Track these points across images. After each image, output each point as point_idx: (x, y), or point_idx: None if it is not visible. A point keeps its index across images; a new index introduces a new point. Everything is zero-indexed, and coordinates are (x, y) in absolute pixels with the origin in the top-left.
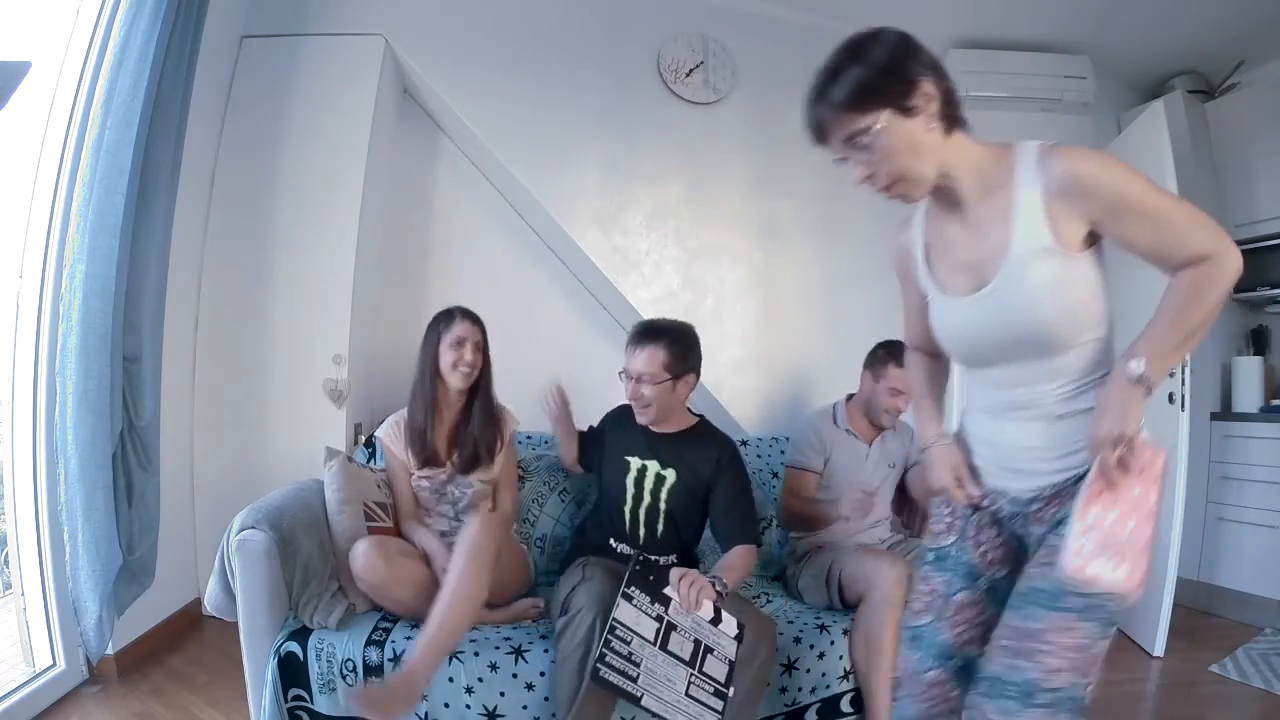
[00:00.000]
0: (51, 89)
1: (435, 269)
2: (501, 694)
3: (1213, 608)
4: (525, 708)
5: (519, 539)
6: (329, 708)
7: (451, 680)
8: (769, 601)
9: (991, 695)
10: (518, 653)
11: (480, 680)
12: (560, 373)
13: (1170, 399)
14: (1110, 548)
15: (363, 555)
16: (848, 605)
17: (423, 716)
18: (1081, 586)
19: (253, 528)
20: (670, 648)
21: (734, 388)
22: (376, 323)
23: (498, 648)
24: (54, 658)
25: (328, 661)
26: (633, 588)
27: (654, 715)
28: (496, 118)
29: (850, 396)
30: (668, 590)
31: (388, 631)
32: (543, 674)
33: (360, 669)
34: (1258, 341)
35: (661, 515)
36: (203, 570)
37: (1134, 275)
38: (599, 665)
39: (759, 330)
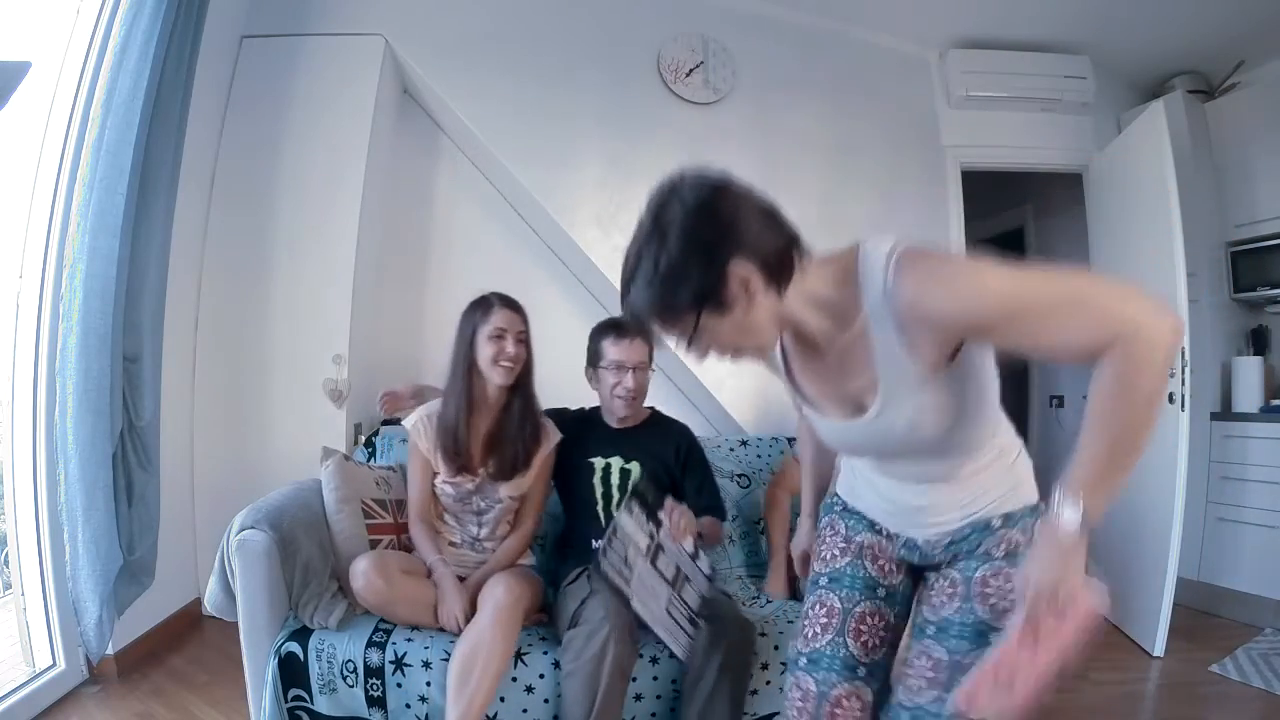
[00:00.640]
0: (51, 89)
1: (435, 269)
2: (502, 699)
3: (1213, 608)
4: (525, 711)
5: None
6: (329, 708)
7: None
8: (768, 603)
9: None
10: (518, 656)
11: None
12: (560, 372)
13: (1170, 399)
14: (1008, 681)
15: (363, 575)
16: None
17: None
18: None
19: (253, 528)
20: (658, 565)
21: (734, 388)
22: (376, 323)
23: None
24: (54, 658)
25: (328, 662)
26: (634, 503)
27: (639, 622)
28: (496, 117)
29: None
30: (661, 515)
31: (388, 633)
32: (542, 676)
33: (361, 670)
34: (1258, 341)
35: None
36: (203, 570)
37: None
38: (600, 559)
39: None
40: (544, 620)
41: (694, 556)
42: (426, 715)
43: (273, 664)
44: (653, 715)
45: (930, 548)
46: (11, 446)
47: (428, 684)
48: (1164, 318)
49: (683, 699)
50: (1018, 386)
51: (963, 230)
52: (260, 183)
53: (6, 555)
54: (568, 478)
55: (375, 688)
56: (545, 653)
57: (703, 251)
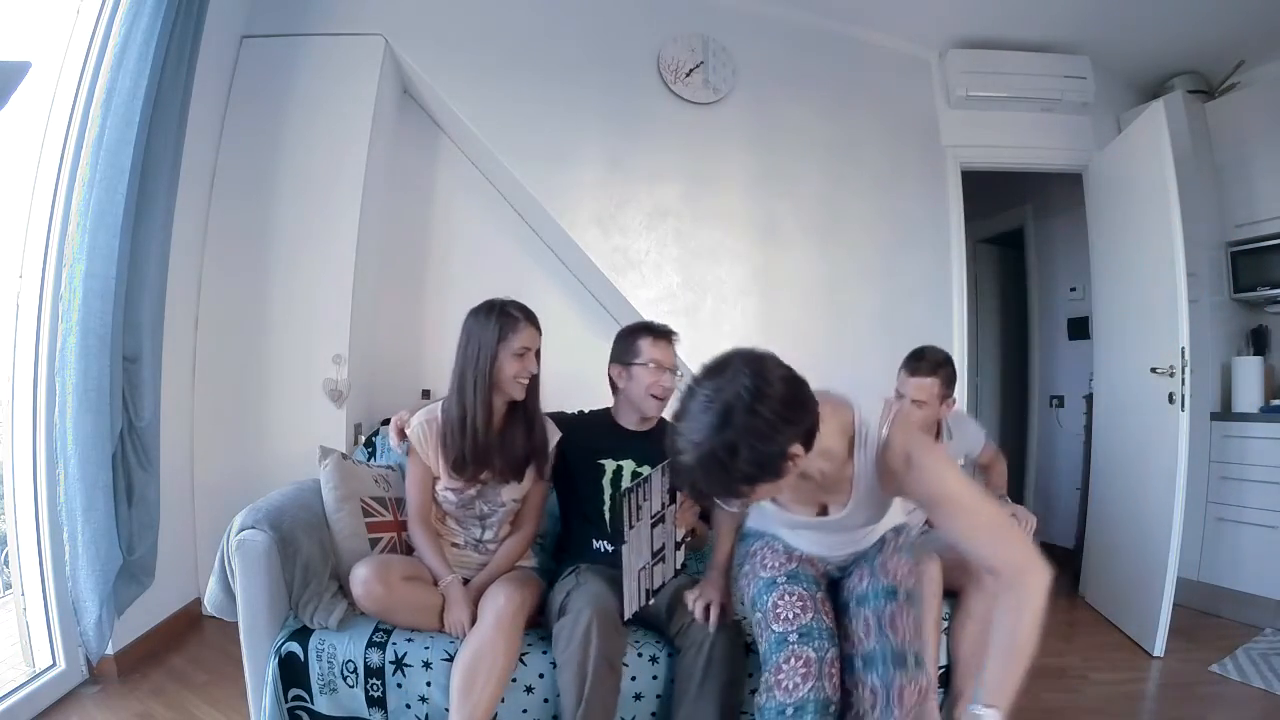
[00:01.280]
0: (51, 89)
1: (435, 269)
2: (501, 700)
3: (1213, 608)
4: (525, 711)
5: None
6: (329, 708)
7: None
8: None
9: (871, 665)
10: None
11: None
12: (560, 372)
13: (1170, 399)
14: None
15: (362, 583)
16: None
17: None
18: None
19: (253, 528)
20: (654, 531)
21: None
22: (376, 323)
23: None
24: (54, 658)
25: (328, 662)
26: (664, 471)
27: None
28: (496, 117)
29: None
30: (679, 495)
31: (389, 634)
32: (541, 676)
33: (361, 670)
34: (1258, 341)
35: None
36: (203, 570)
37: None
38: (630, 490)
39: (759, 330)
40: (537, 622)
41: (677, 545)
42: (426, 715)
43: (273, 664)
44: (653, 715)
45: (844, 560)
46: (11, 446)
47: (428, 684)
48: (1044, 570)
49: (674, 697)
50: (1018, 387)
51: (963, 230)
52: (260, 182)
53: (6, 555)
54: (571, 478)
55: (375, 688)
56: (544, 652)
57: (778, 447)
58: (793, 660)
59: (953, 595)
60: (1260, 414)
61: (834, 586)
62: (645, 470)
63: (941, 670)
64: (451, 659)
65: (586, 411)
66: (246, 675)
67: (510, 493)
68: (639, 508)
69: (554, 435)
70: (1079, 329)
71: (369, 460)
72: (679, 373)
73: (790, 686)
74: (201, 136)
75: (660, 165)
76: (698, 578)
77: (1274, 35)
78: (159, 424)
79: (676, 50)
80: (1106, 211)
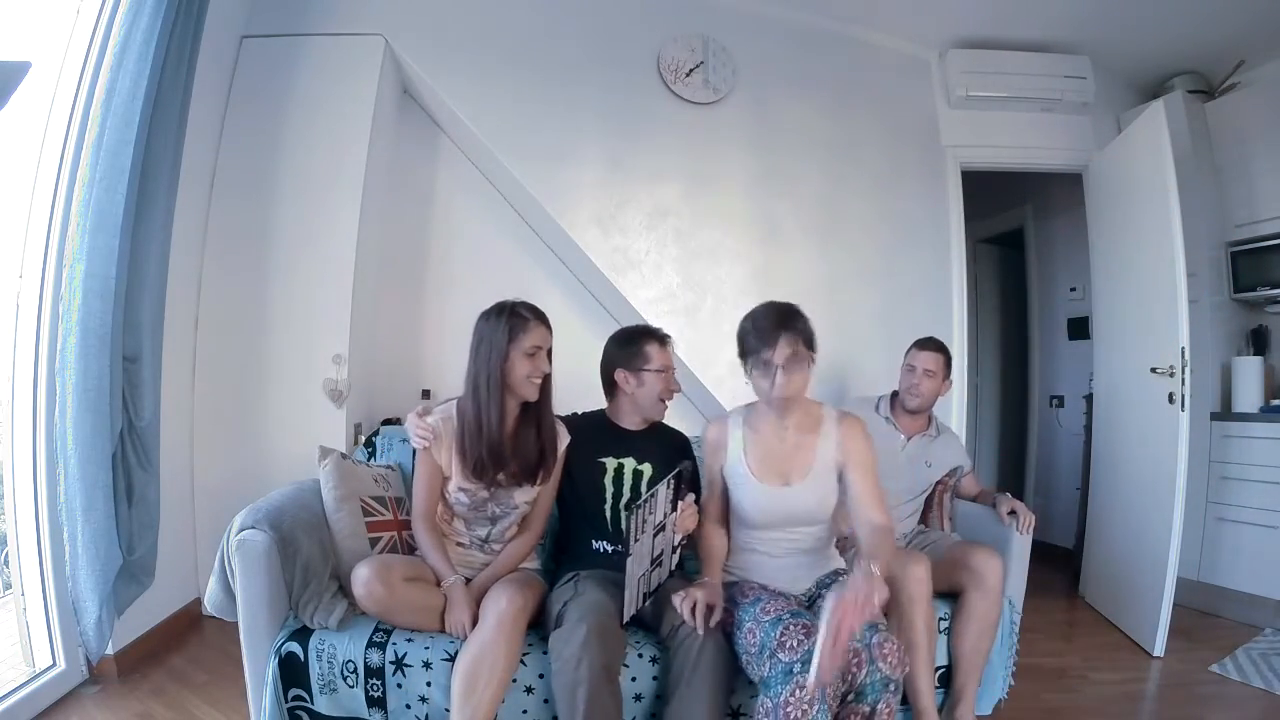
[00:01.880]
0: (51, 89)
1: (435, 269)
2: (501, 701)
3: (1213, 608)
4: (525, 712)
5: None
6: (329, 708)
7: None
8: None
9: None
10: None
11: None
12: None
13: (1170, 399)
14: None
15: (364, 583)
16: None
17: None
18: None
19: (253, 528)
20: (655, 540)
21: (734, 388)
22: (376, 323)
23: None
24: (54, 658)
25: (329, 662)
26: (670, 483)
27: (618, 569)
28: (496, 117)
29: (896, 392)
30: (680, 503)
31: (389, 634)
32: (541, 676)
33: (361, 670)
34: (1258, 341)
35: None
36: (203, 570)
37: None
38: (638, 505)
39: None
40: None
41: (674, 549)
42: (426, 715)
43: (273, 664)
44: (653, 716)
45: (811, 588)
46: (11, 446)
47: (428, 684)
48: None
49: (663, 698)
50: (1018, 387)
51: (963, 230)
52: (260, 182)
53: (6, 555)
54: (572, 478)
55: (375, 688)
56: (544, 653)
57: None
58: (799, 689)
59: (953, 596)
60: (1260, 414)
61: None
62: (645, 468)
63: (942, 670)
64: (451, 659)
65: (580, 413)
66: (246, 675)
67: (523, 495)
68: (644, 521)
69: (564, 438)
70: (1079, 329)
71: (369, 460)
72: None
73: (797, 716)
74: (201, 136)
75: (660, 165)
76: (692, 578)
77: (1274, 35)
78: (159, 424)
79: (676, 50)
80: (1106, 211)
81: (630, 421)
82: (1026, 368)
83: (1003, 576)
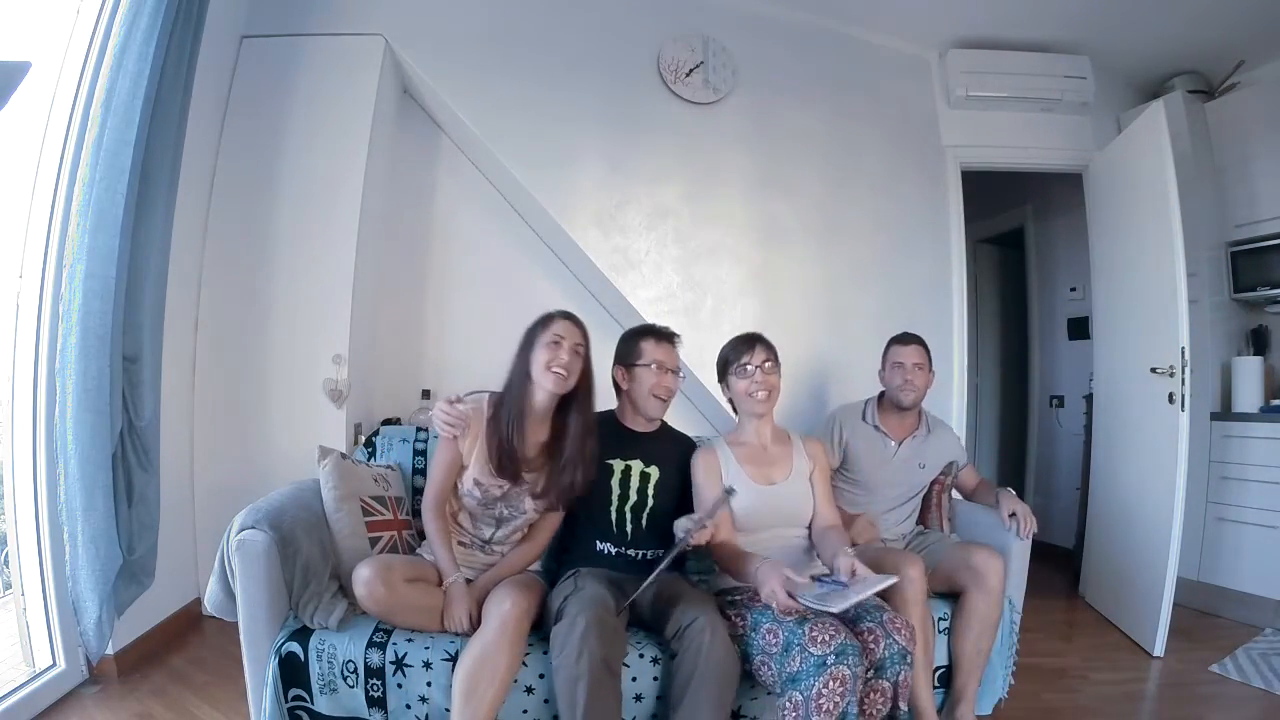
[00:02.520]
0: (51, 89)
1: (435, 269)
2: (502, 702)
3: (1213, 608)
4: (525, 711)
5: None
6: (329, 708)
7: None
8: None
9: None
10: None
11: None
12: None
13: (1170, 399)
14: None
15: (365, 584)
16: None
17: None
18: None
19: (253, 528)
20: (674, 545)
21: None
22: (376, 322)
23: None
24: (54, 658)
25: (329, 662)
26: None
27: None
28: (496, 117)
29: (882, 394)
30: (708, 522)
31: (389, 634)
32: (541, 676)
33: (361, 670)
34: (1258, 341)
35: (647, 510)
36: (203, 570)
37: None
38: (689, 521)
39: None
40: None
41: (679, 556)
42: (426, 716)
43: (273, 664)
44: (654, 716)
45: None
46: (11, 446)
47: (428, 684)
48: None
49: (668, 699)
50: (1018, 387)
51: (963, 230)
52: (260, 183)
53: (6, 555)
54: None
55: (375, 688)
56: (545, 653)
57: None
58: (831, 682)
59: (954, 596)
60: (1260, 414)
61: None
62: (653, 471)
63: (942, 670)
64: (452, 659)
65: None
66: (246, 675)
67: (535, 504)
68: (686, 531)
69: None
70: (1079, 329)
71: (369, 460)
72: (681, 374)
73: (830, 707)
74: (201, 137)
75: (660, 165)
76: (692, 578)
77: (1274, 35)
78: (159, 424)
79: (676, 50)
80: (1106, 211)
81: (635, 422)
82: (1026, 368)
83: (1004, 576)
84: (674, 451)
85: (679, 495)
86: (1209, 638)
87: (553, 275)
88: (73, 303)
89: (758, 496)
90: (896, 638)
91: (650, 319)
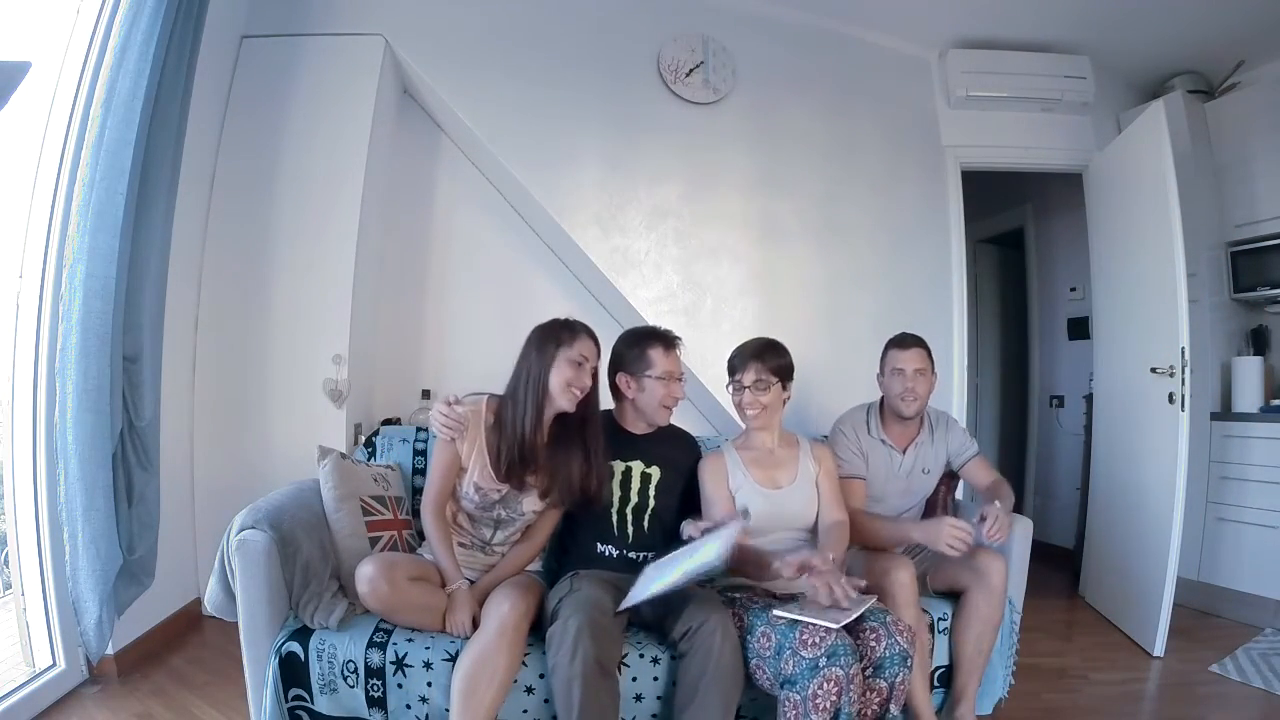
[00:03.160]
0: (51, 89)
1: (435, 269)
2: (501, 703)
3: (1213, 608)
4: (525, 711)
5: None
6: (329, 708)
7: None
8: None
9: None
10: None
11: None
12: None
13: (1170, 399)
14: None
15: (368, 580)
16: None
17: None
18: None
19: (253, 528)
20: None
21: None
22: (376, 322)
23: None
24: (54, 658)
25: (329, 662)
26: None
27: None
28: (496, 117)
29: (882, 400)
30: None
31: (389, 634)
32: (541, 676)
33: (361, 670)
34: (1258, 341)
35: (649, 512)
36: (203, 570)
37: None
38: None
39: (759, 330)
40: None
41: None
42: (427, 716)
43: (273, 664)
44: (654, 717)
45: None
46: (11, 446)
47: (428, 684)
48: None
49: (676, 701)
50: (1018, 387)
51: (963, 230)
52: (260, 183)
53: (6, 555)
54: None
55: (376, 688)
56: (544, 653)
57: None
58: (826, 683)
59: (954, 595)
60: (1260, 414)
61: None
62: (654, 471)
63: (942, 670)
64: (452, 659)
65: None
66: (246, 675)
67: (532, 504)
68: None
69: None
70: (1079, 329)
71: (369, 460)
72: (683, 379)
73: (827, 706)
74: (202, 137)
75: (660, 165)
76: (706, 586)
77: (1274, 35)
78: (159, 424)
79: (676, 50)
80: (1106, 211)
81: (636, 425)
82: (1026, 368)
83: (1006, 576)
84: (674, 451)
85: (681, 495)
86: (1209, 638)
87: (553, 275)
88: (73, 303)
89: (763, 500)
90: (899, 639)
91: (650, 319)
